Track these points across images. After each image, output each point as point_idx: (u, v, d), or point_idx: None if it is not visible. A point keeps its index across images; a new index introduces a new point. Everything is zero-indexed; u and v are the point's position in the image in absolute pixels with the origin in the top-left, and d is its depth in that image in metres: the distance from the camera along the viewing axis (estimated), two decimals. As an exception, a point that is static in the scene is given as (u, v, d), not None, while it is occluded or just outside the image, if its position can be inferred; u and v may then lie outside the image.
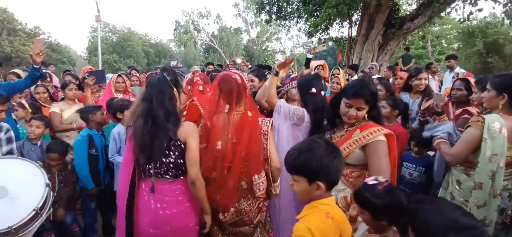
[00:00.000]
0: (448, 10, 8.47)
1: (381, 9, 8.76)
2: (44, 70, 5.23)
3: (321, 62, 6.15)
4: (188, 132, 1.67)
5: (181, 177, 1.72)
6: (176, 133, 1.64)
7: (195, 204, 1.76)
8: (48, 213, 1.91)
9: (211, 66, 7.45)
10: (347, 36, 10.91)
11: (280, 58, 35.66)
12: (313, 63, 5.51)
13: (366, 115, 1.73)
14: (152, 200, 1.68)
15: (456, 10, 8.12)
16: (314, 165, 1.17)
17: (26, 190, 1.90)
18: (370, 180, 1.29)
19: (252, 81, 2.97)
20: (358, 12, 10.05)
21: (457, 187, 1.96)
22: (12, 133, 2.43)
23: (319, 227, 1.15)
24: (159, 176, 1.69)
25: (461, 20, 8.35)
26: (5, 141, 2.36)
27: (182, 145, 1.67)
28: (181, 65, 10.23)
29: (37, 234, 1.93)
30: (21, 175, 1.96)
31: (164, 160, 1.66)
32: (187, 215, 1.72)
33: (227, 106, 1.83)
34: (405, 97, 3.24)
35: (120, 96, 3.88)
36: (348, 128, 1.79)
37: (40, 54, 2.73)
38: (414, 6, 9.86)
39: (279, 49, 35.33)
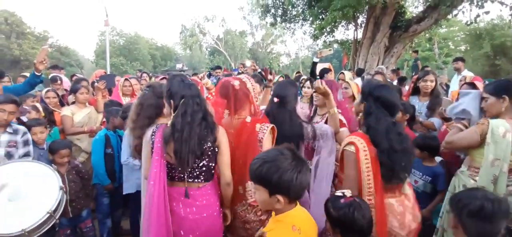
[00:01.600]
0: (455, 12, 8.41)
1: (387, 11, 8.74)
2: (56, 74, 5.38)
3: (327, 65, 6.16)
4: (221, 135, 1.69)
5: (210, 180, 1.73)
6: (214, 138, 1.65)
7: (220, 205, 1.78)
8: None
9: (219, 71, 7.45)
10: (352, 39, 10.88)
11: (285, 60, 35.70)
12: (319, 66, 5.52)
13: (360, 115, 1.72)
14: (182, 205, 1.65)
15: (463, 12, 8.07)
16: (276, 178, 1.12)
17: (40, 193, 1.95)
18: (339, 192, 1.36)
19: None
20: (363, 14, 10.02)
21: (464, 192, 1.96)
22: (29, 136, 2.50)
23: None
24: (191, 180, 1.66)
25: (468, 22, 8.28)
26: (22, 143, 2.43)
27: (216, 149, 1.68)
28: (187, 68, 10.33)
29: (52, 228, 1.97)
30: (36, 178, 2.01)
31: (197, 164, 1.65)
32: (215, 218, 1.72)
33: (226, 111, 1.88)
34: (414, 100, 3.26)
35: (127, 99, 3.95)
36: None
37: (44, 62, 2.86)
38: (420, 9, 9.81)
39: (284, 51, 35.40)
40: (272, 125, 1.82)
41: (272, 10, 11.62)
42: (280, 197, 1.15)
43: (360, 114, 1.68)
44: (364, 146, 1.52)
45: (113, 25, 27.55)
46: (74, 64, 25.88)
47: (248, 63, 6.64)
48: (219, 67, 8.12)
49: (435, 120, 2.92)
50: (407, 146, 1.55)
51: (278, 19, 11.70)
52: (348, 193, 1.35)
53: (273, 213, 1.26)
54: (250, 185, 1.76)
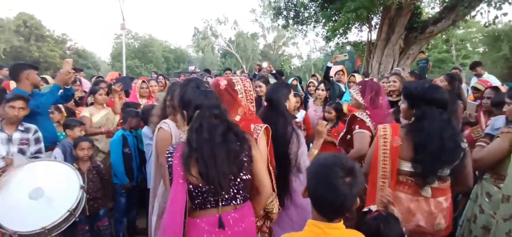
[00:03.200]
0: (472, 13, 8.17)
1: (402, 12, 8.56)
2: (76, 76, 5.57)
3: (340, 67, 6.09)
4: (252, 142, 1.45)
5: (248, 199, 1.45)
6: (248, 147, 1.40)
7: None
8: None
9: (228, 72, 7.53)
10: (366, 41, 10.72)
11: (296, 62, 35.57)
12: (333, 68, 5.48)
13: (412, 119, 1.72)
14: (214, 235, 1.33)
15: (481, 13, 7.83)
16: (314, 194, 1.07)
17: (61, 192, 2.02)
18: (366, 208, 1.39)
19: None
20: (378, 16, 9.86)
21: (486, 199, 1.91)
22: (40, 134, 2.58)
23: None
24: (225, 204, 1.36)
25: (486, 24, 8.02)
26: (34, 141, 2.51)
27: (251, 159, 1.42)
28: (199, 70, 10.47)
29: (72, 225, 2.03)
30: (57, 177, 2.09)
31: (233, 183, 1.36)
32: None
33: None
34: None
35: (144, 101, 4.04)
36: None
37: (70, 75, 2.94)
38: (437, 9, 9.57)
39: (296, 53, 35.28)
40: (266, 125, 1.73)
41: (284, 12, 11.58)
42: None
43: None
44: (385, 134, 1.64)
45: (129, 28, 28.21)
46: (91, 66, 26.66)
47: (265, 64, 6.74)
48: (229, 69, 8.20)
49: None
50: (458, 142, 1.58)
51: (290, 21, 11.66)
52: (374, 207, 1.33)
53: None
54: None
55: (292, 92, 2.18)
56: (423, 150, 1.54)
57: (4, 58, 19.68)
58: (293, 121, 2.09)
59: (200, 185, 1.31)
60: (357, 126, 2.27)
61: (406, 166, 1.61)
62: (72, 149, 2.68)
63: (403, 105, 1.72)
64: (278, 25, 14.49)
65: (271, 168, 1.72)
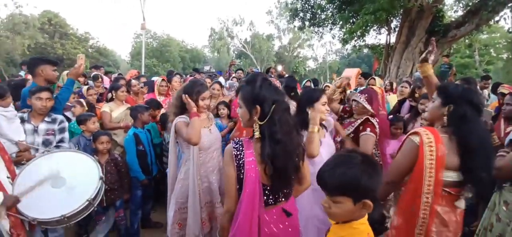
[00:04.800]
0: (496, 18, 7.86)
1: (423, 15, 8.34)
2: (96, 72, 5.77)
3: (356, 70, 6.00)
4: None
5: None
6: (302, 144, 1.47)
7: None
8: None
9: (241, 72, 7.58)
10: (384, 43, 10.50)
11: (311, 65, 35.27)
12: (347, 72, 5.41)
13: (445, 118, 1.57)
14: (282, 225, 1.41)
15: (505, 19, 7.52)
16: (364, 182, 1.02)
17: (81, 181, 2.08)
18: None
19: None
20: (397, 18, 9.64)
21: (504, 208, 1.83)
22: (65, 124, 2.64)
23: None
24: (284, 200, 1.44)
25: (510, 29, 7.70)
26: (58, 131, 2.58)
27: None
28: (214, 70, 10.62)
29: (90, 215, 2.11)
30: (79, 167, 2.15)
31: (294, 178, 1.45)
32: (298, 230, 1.53)
33: None
34: None
35: (162, 98, 4.14)
36: None
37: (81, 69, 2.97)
38: (460, 13, 9.25)
39: (311, 55, 35.00)
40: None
41: (301, 14, 11.55)
42: (367, 201, 1.03)
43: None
44: (430, 141, 1.46)
45: (148, 28, 28.92)
46: (111, 64, 27.51)
47: (280, 67, 6.83)
48: (241, 69, 8.28)
49: None
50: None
51: (307, 22, 11.61)
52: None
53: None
54: None
55: (321, 100, 2.09)
56: (472, 156, 1.42)
57: (29, 53, 20.58)
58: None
59: (267, 183, 1.35)
60: (368, 129, 2.36)
61: (449, 176, 1.47)
62: (86, 144, 2.77)
63: (435, 103, 1.60)
64: (294, 26, 14.48)
65: None
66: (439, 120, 1.58)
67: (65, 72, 4.94)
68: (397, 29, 9.53)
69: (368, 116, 2.45)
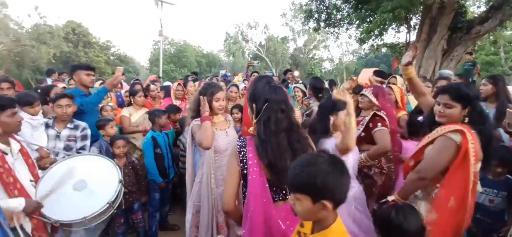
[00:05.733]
0: (520, 14, 7.40)
1: (445, 11, 7.98)
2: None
3: (372, 70, 5.81)
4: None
5: None
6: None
7: None
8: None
9: (255, 74, 7.60)
10: (404, 42, 10.17)
11: (327, 66, 34.78)
12: (365, 72, 5.26)
13: (466, 118, 1.65)
14: (289, 222, 1.43)
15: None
16: (319, 182, 1.02)
17: (102, 185, 2.12)
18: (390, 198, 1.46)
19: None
20: (417, 16, 9.31)
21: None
22: (88, 132, 2.73)
23: None
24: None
25: (535, 26, 7.22)
26: (80, 138, 2.66)
27: None
28: (229, 74, 10.70)
29: (110, 217, 2.14)
30: (99, 171, 2.20)
31: None
32: None
33: None
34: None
35: (178, 102, 4.20)
36: None
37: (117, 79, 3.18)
38: (483, 9, 8.81)
39: (327, 57, 34.50)
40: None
41: (316, 15, 11.40)
42: (326, 202, 1.03)
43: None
44: (472, 139, 1.54)
45: (166, 35, 29.67)
46: (131, 71, 28.40)
47: (296, 73, 6.85)
48: (256, 72, 8.29)
49: (502, 132, 2.59)
50: None
51: (322, 23, 11.44)
52: (391, 198, 1.44)
53: (308, 226, 1.14)
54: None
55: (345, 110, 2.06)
56: (491, 147, 1.60)
57: (54, 62, 21.64)
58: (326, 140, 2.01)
59: (270, 178, 1.40)
60: (379, 124, 2.34)
61: (477, 167, 1.61)
62: (107, 147, 2.84)
63: (455, 109, 1.65)
64: (309, 28, 14.34)
65: None
66: (457, 121, 1.65)
67: (98, 83, 5.18)
68: (417, 27, 9.19)
69: (375, 111, 2.45)
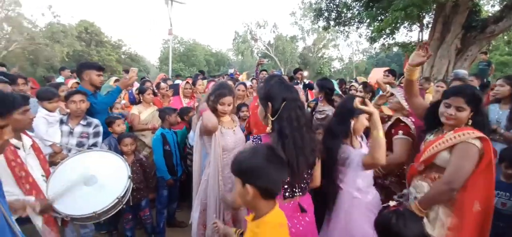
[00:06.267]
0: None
1: (458, 10, 7.77)
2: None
3: (383, 70, 5.72)
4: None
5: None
6: (318, 145, 1.59)
7: None
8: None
9: (264, 72, 7.59)
10: (416, 41, 9.96)
11: (337, 65, 34.45)
12: (376, 72, 5.19)
13: (470, 121, 1.64)
14: (297, 221, 1.51)
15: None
16: (245, 166, 1.12)
17: (111, 180, 2.15)
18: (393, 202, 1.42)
19: (315, 89, 3.18)
20: (430, 14, 9.10)
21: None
22: (100, 129, 2.78)
23: None
24: (300, 193, 1.55)
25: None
26: (93, 134, 2.71)
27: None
28: (238, 73, 10.72)
29: (117, 214, 2.17)
30: (109, 166, 2.23)
31: (309, 174, 1.56)
32: (314, 225, 1.63)
33: None
34: (494, 108, 2.99)
35: (187, 101, 4.23)
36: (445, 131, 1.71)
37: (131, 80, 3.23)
38: (497, 8, 8.54)
39: (336, 56, 34.20)
40: None
41: (326, 13, 11.29)
42: (249, 188, 1.10)
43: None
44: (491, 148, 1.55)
45: (175, 34, 29.96)
46: (141, 69, 28.80)
47: (306, 73, 6.81)
48: (265, 70, 8.28)
49: None
50: None
51: (332, 22, 11.31)
52: (392, 203, 1.39)
53: (250, 218, 1.22)
54: None
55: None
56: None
57: (67, 60, 22.15)
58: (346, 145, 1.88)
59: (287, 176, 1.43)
60: (400, 132, 2.18)
61: None
62: (116, 144, 2.87)
63: (465, 112, 1.62)
64: (319, 27, 14.22)
65: None
66: (462, 124, 1.64)
67: (112, 78, 5.26)
68: (430, 26, 8.99)
69: (399, 116, 2.27)
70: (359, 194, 1.83)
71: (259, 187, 1.11)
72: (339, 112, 1.99)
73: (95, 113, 2.92)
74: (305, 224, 1.53)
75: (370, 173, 1.92)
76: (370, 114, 1.62)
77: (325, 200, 1.87)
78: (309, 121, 1.57)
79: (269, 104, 1.48)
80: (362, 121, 1.88)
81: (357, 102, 1.62)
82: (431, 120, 1.80)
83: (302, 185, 1.52)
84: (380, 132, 1.63)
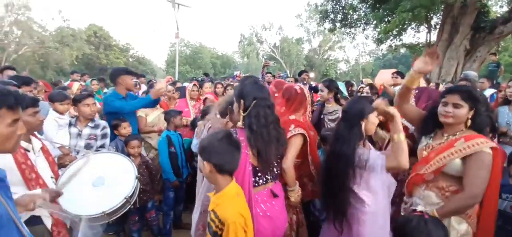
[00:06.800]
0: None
1: (467, 10, 7.68)
2: (135, 80, 6.16)
3: (392, 71, 5.67)
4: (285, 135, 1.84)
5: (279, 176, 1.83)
6: (286, 141, 1.79)
7: None
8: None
9: (269, 75, 7.61)
10: (424, 42, 9.85)
11: (343, 67, 34.27)
12: (384, 73, 5.14)
13: (469, 121, 1.63)
14: (270, 205, 1.68)
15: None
16: (203, 145, 1.40)
17: (119, 181, 2.17)
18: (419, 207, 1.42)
19: (321, 91, 3.10)
20: (438, 15, 9.00)
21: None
22: (107, 130, 2.82)
23: (242, 207, 1.42)
24: (271, 179, 1.72)
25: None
26: (100, 136, 2.74)
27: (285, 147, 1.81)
28: (239, 76, 10.78)
29: (124, 215, 2.19)
30: (117, 167, 2.26)
31: (277, 164, 1.75)
32: (284, 209, 1.80)
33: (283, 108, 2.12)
34: (504, 110, 2.95)
35: (193, 103, 4.24)
36: (449, 137, 1.67)
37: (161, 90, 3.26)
38: (505, 8, 8.41)
39: (342, 58, 34.01)
40: (303, 131, 1.94)
41: (332, 15, 11.26)
42: (206, 164, 1.37)
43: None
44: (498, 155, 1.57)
45: (182, 37, 30.24)
46: (149, 72, 29.14)
47: (312, 74, 6.79)
48: (270, 72, 8.30)
49: None
50: None
51: (338, 24, 11.28)
52: (419, 207, 1.40)
53: (212, 194, 1.47)
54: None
55: (375, 112, 1.88)
56: None
57: (76, 64, 22.58)
58: (361, 147, 1.82)
59: (256, 165, 1.63)
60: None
61: None
62: (123, 146, 2.90)
63: (463, 109, 1.62)
64: (324, 29, 14.19)
65: (313, 168, 2.05)
66: (462, 123, 1.64)
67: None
68: (438, 27, 8.89)
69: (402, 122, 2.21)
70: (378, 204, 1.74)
71: (214, 163, 1.36)
72: (348, 115, 1.89)
73: (123, 115, 3.07)
74: (277, 209, 1.71)
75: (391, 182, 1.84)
76: (391, 117, 1.64)
77: (335, 207, 1.80)
78: (277, 119, 1.71)
79: (242, 101, 1.65)
80: (372, 121, 1.83)
81: (379, 103, 1.69)
82: (431, 123, 1.77)
83: (273, 173, 1.72)
84: (401, 135, 1.62)
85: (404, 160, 1.60)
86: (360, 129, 1.79)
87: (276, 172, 1.74)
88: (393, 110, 1.67)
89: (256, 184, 1.66)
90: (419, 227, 1.25)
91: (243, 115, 1.64)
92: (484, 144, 1.55)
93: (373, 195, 1.73)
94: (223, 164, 1.37)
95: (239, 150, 1.43)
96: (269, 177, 1.70)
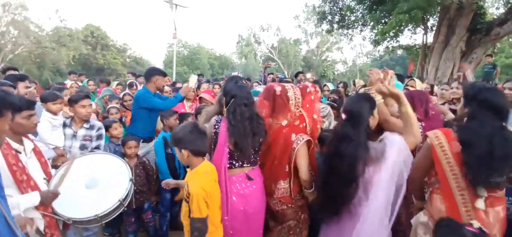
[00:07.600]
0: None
1: (463, 12, 7.74)
2: (132, 80, 6.12)
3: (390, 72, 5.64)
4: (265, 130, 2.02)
5: (257, 164, 2.07)
6: (265, 135, 1.98)
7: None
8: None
9: (271, 75, 7.63)
10: (421, 44, 9.90)
11: (340, 68, 34.35)
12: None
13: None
14: (245, 185, 1.95)
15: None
16: (177, 137, 1.72)
17: (113, 183, 2.14)
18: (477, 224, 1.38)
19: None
20: (435, 16, 9.05)
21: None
22: (103, 131, 2.80)
23: (206, 182, 1.69)
24: (249, 166, 1.98)
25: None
26: (95, 137, 2.72)
27: (264, 139, 2.00)
28: (241, 76, 10.75)
29: (119, 216, 2.16)
30: (111, 169, 2.23)
31: (254, 154, 1.97)
32: (263, 192, 2.04)
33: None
34: None
35: (189, 104, 4.22)
36: None
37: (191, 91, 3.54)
38: (502, 10, 8.47)
39: (340, 59, 34.08)
40: (308, 138, 1.97)
41: (329, 17, 11.29)
42: (184, 151, 1.69)
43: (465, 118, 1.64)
44: (440, 143, 1.53)
45: (180, 38, 30.12)
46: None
47: (309, 75, 6.81)
48: (272, 73, 8.31)
49: None
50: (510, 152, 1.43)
51: (335, 25, 11.31)
52: (476, 224, 1.35)
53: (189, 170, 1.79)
54: (282, 183, 2.02)
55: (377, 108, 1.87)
56: (469, 151, 1.46)
57: (73, 64, 22.42)
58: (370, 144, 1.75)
59: (233, 150, 1.89)
60: None
61: None
62: (115, 149, 2.88)
63: (460, 105, 1.70)
64: (322, 30, 14.21)
65: (310, 168, 2.04)
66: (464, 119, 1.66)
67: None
68: (434, 28, 8.94)
69: None
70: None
71: (191, 150, 1.69)
72: (352, 114, 1.79)
73: (153, 111, 3.31)
74: (252, 190, 1.95)
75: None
76: (396, 95, 1.68)
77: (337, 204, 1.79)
78: (256, 115, 1.91)
79: (224, 98, 1.94)
80: (376, 115, 1.82)
81: (381, 86, 1.71)
82: None
83: (250, 160, 1.96)
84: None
85: (417, 131, 1.67)
86: (368, 124, 1.75)
87: (252, 160, 1.97)
88: (396, 89, 1.70)
89: (233, 166, 1.94)
90: None
91: (225, 109, 1.93)
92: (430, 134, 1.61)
93: (376, 190, 1.65)
94: (197, 148, 1.71)
95: (206, 136, 1.78)
96: (245, 164, 1.95)
